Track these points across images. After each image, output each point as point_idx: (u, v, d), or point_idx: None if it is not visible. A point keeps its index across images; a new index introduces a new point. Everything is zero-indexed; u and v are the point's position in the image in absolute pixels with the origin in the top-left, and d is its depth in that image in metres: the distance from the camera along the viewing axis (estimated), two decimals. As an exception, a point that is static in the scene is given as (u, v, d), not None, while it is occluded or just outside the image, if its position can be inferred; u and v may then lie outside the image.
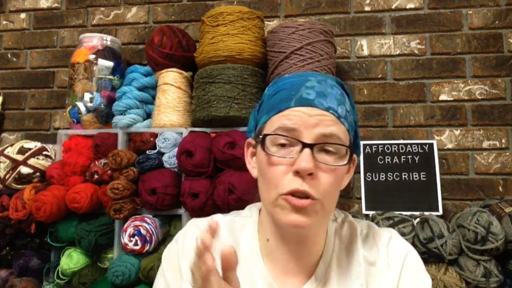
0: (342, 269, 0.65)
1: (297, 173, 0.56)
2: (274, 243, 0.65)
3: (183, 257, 0.66)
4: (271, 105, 0.62)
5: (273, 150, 0.58)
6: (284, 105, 0.59)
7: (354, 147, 0.64)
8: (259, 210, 0.72)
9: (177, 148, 1.43)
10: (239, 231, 0.70)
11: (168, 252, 0.71)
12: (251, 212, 0.73)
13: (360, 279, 0.64)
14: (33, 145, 1.57)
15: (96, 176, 1.47)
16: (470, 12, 1.65)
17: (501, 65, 1.60)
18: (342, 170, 0.59)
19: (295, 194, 0.56)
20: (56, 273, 1.46)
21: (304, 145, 0.56)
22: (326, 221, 0.67)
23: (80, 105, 1.56)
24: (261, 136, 0.60)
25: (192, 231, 0.69)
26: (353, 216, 0.74)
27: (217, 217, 0.73)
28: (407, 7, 1.69)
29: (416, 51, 1.67)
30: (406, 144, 1.56)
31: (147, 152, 1.48)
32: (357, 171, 1.57)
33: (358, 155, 0.68)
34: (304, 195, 0.56)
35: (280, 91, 0.61)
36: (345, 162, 0.58)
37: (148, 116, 1.59)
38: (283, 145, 0.58)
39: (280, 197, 0.57)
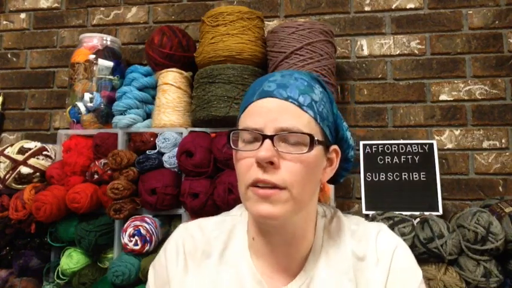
0: (331, 264, 0.65)
1: (259, 164, 0.56)
2: (260, 241, 0.66)
3: (171, 269, 0.68)
4: (242, 104, 0.64)
5: (241, 146, 0.60)
6: (248, 101, 0.61)
7: (336, 140, 0.65)
8: None
9: (177, 148, 1.43)
10: (230, 231, 0.70)
11: (156, 266, 0.72)
12: (240, 210, 0.74)
13: (349, 274, 0.64)
14: (33, 145, 1.57)
15: (96, 176, 1.47)
16: (470, 12, 1.65)
17: (501, 65, 1.60)
18: (312, 160, 0.58)
19: (258, 184, 0.57)
20: (56, 273, 1.46)
21: (265, 137, 0.57)
22: (312, 216, 0.67)
23: (80, 105, 1.56)
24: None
25: (180, 237, 0.70)
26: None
27: (208, 219, 0.74)
28: (407, 7, 1.69)
29: (416, 51, 1.67)
30: (406, 144, 1.56)
31: (147, 152, 1.48)
32: (357, 171, 1.58)
33: (348, 148, 0.68)
34: (268, 185, 0.56)
35: (250, 89, 0.64)
36: (306, 150, 0.57)
37: (148, 116, 1.59)
38: (250, 141, 0.59)
39: (248, 189, 0.58)
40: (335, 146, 0.64)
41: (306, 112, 0.58)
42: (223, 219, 0.73)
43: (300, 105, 0.58)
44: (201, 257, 0.68)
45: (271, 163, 0.56)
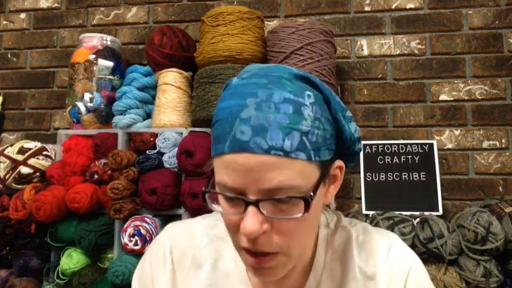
0: (335, 283, 0.58)
1: None
2: None
3: (157, 278, 0.61)
4: (212, 137, 0.50)
5: (222, 203, 0.49)
6: (219, 148, 0.47)
7: (339, 142, 0.53)
8: None
9: (177, 148, 1.43)
10: (221, 238, 0.62)
11: (140, 274, 0.65)
12: None
13: None
14: (33, 145, 1.57)
15: (96, 176, 1.47)
16: (470, 12, 1.65)
17: (501, 65, 1.60)
18: (310, 214, 0.47)
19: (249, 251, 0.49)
20: (56, 273, 1.46)
21: (247, 203, 0.45)
22: (312, 236, 0.58)
23: (80, 105, 1.56)
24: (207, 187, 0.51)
25: (168, 242, 0.63)
26: (352, 216, 0.69)
27: (197, 221, 0.66)
28: (407, 7, 1.69)
29: (416, 51, 1.67)
30: (406, 144, 1.56)
31: (147, 152, 1.48)
32: (357, 171, 1.57)
33: (354, 144, 0.55)
34: (261, 253, 0.48)
35: (219, 120, 0.48)
36: (302, 212, 0.46)
37: (148, 116, 1.59)
38: (231, 198, 0.48)
39: (241, 244, 0.50)
40: (338, 162, 0.53)
41: (296, 158, 0.45)
42: (214, 224, 0.64)
43: (287, 154, 0.44)
44: (191, 267, 0.61)
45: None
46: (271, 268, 0.49)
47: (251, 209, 0.45)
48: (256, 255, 0.48)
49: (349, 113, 0.54)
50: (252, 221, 0.45)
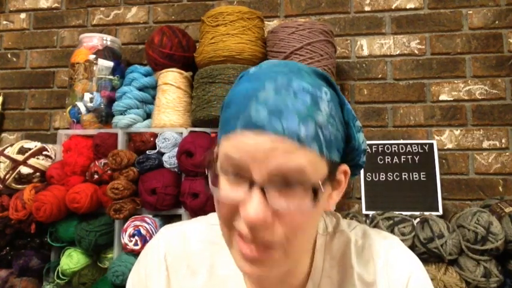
0: None
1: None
2: None
3: (152, 286, 0.60)
4: (222, 120, 0.48)
5: (223, 185, 0.46)
6: (230, 127, 0.45)
7: (346, 150, 0.51)
8: None
9: (177, 148, 1.43)
10: (217, 244, 0.59)
11: (134, 279, 0.63)
12: None
13: None
14: (33, 145, 1.57)
15: (96, 176, 1.47)
16: (470, 12, 1.65)
17: (501, 65, 1.60)
18: (315, 209, 0.45)
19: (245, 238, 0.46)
20: (56, 273, 1.46)
21: (252, 184, 0.43)
22: (310, 243, 0.56)
23: (80, 105, 1.56)
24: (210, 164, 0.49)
25: (162, 247, 0.62)
26: (352, 216, 0.68)
27: (191, 224, 0.64)
28: (407, 7, 1.69)
29: (416, 51, 1.67)
30: (406, 144, 1.56)
31: (147, 152, 1.48)
32: (357, 171, 1.57)
33: (359, 155, 0.54)
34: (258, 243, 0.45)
35: (232, 103, 0.46)
36: (309, 204, 0.43)
37: (148, 116, 1.59)
38: (233, 178, 0.45)
39: (233, 235, 0.47)
40: (344, 167, 0.51)
41: (309, 148, 0.43)
42: (210, 229, 0.61)
43: (301, 141, 0.42)
44: (186, 273, 0.59)
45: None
46: (264, 262, 0.46)
47: (256, 192, 0.42)
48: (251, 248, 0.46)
49: (359, 123, 0.53)
50: (256, 206, 0.42)
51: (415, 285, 0.55)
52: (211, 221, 0.62)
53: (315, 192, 0.43)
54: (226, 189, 0.46)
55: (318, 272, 0.57)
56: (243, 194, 0.43)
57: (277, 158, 0.42)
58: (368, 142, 1.59)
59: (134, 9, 1.89)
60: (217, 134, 0.49)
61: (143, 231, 1.36)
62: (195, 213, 1.36)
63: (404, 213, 1.40)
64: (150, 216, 1.43)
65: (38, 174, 1.53)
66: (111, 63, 1.61)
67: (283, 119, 0.42)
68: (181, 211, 1.44)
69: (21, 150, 1.53)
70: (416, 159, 1.54)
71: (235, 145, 0.44)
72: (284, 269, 0.49)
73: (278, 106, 0.43)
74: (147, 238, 1.36)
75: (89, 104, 1.55)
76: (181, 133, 1.48)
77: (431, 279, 1.25)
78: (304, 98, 0.44)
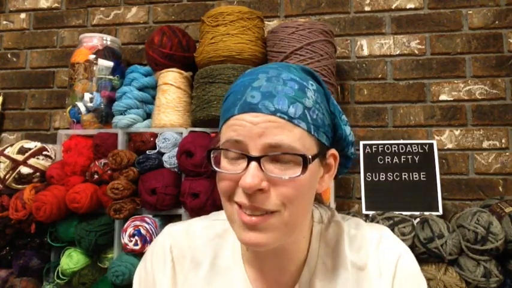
0: (328, 275, 0.60)
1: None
2: (253, 252, 0.61)
3: (158, 277, 0.63)
4: (222, 111, 0.56)
5: (224, 164, 0.53)
6: (229, 113, 0.52)
7: (334, 139, 0.58)
8: None
9: (177, 148, 1.43)
10: (219, 236, 0.65)
11: (142, 273, 0.66)
12: None
13: (348, 286, 0.60)
14: (33, 145, 1.57)
15: (96, 176, 1.47)
16: (470, 12, 1.65)
17: (501, 65, 1.60)
18: (306, 180, 0.51)
19: (244, 210, 0.51)
20: (56, 273, 1.46)
21: (250, 159, 0.49)
22: (306, 227, 0.61)
23: (80, 105, 1.56)
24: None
25: (167, 243, 0.65)
26: (353, 216, 0.70)
27: (194, 221, 0.69)
28: (407, 7, 1.69)
29: (416, 51, 1.67)
30: (406, 144, 1.56)
31: (147, 152, 1.48)
32: (357, 171, 1.57)
33: (347, 146, 0.61)
34: (256, 213, 0.51)
35: (231, 95, 0.54)
36: (299, 172, 0.49)
37: (148, 116, 1.59)
38: (234, 158, 0.52)
39: (233, 207, 0.53)
40: (333, 151, 0.57)
41: (298, 125, 0.50)
42: (212, 224, 0.67)
43: (290, 119, 0.50)
44: (190, 266, 0.63)
45: (259, 189, 0.50)
46: (263, 229, 0.51)
47: (253, 164, 0.49)
48: (250, 216, 0.51)
49: (345, 117, 0.60)
50: (252, 174, 0.48)
51: (403, 265, 0.61)
52: (213, 218, 0.69)
53: (305, 164, 0.50)
54: (228, 169, 0.52)
55: (313, 258, 0.62)
56: (241, 171, 0.50)
57: (270, 133, 0.49)
58: (368, 142, 1.59)
59: (134, 9, 1.89)
60: (219, 125, 0.56)
61: (143, 231, 1.36)
62: (195, 213, 1.36)
63: (404, 213, 1.40)
64: (150, 216, 1.43)
65: (38, 174, 1.53)
66: (111, 63, 1.61)
67: (274, 101, 0.50)
68: (181, 211, 1.44)
69: (21, 150, 1.53)
70: (416, 159, 1.54)
71: (235, 126, 0.51)
72: (282, 237, 0.53)
73: (270, 91, 0.51)
74: (147, 238, 1.36)
75: (89, 104, 1.55)
76: (181, 133, 1.48)
77: (432, 279, 1.25)
78: (293, 86, 0.52)
